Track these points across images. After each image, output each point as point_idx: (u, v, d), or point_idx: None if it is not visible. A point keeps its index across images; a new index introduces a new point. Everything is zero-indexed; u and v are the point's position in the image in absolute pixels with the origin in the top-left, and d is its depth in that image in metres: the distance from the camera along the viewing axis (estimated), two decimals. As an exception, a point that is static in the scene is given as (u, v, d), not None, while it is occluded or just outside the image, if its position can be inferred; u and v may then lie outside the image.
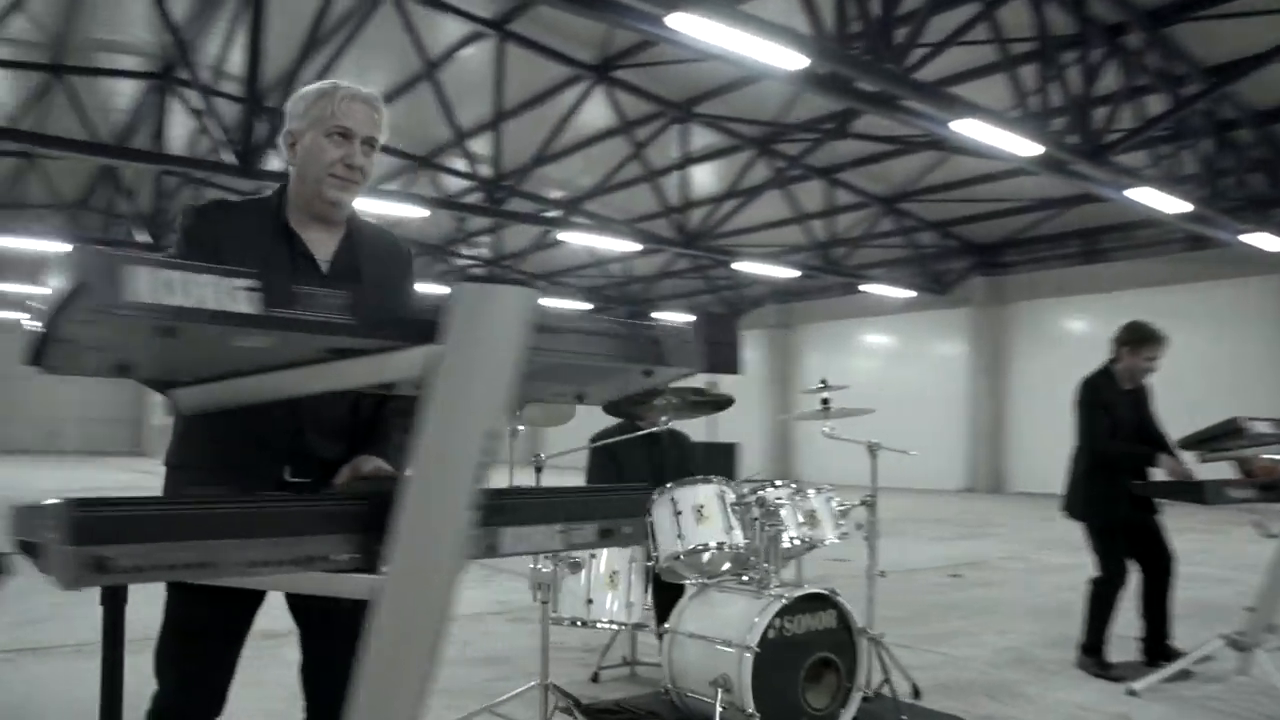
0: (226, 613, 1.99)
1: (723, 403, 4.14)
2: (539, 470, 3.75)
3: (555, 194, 17.95)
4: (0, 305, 17.70)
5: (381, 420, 2.10)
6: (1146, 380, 4.89)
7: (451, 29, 12.49)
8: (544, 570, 3.58)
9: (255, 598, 2.04)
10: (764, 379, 24.12)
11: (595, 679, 4.41)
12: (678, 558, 3.60)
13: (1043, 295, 18.35)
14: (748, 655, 3.32)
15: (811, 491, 4.09)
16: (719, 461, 10.98)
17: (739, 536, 3.61)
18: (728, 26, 6.92)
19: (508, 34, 12.38)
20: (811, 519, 4.04)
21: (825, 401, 4.31)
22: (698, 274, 22.44)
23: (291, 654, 2.22)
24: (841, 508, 4.13)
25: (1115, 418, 4.76)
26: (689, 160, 14.75)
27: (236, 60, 12.67)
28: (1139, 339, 4.75)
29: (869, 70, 7.91)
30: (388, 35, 11.60)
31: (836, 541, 4.06)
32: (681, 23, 6.88)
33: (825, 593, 3.55)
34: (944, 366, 19.84)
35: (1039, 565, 8.51)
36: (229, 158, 11.03)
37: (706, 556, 3.64)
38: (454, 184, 17.16)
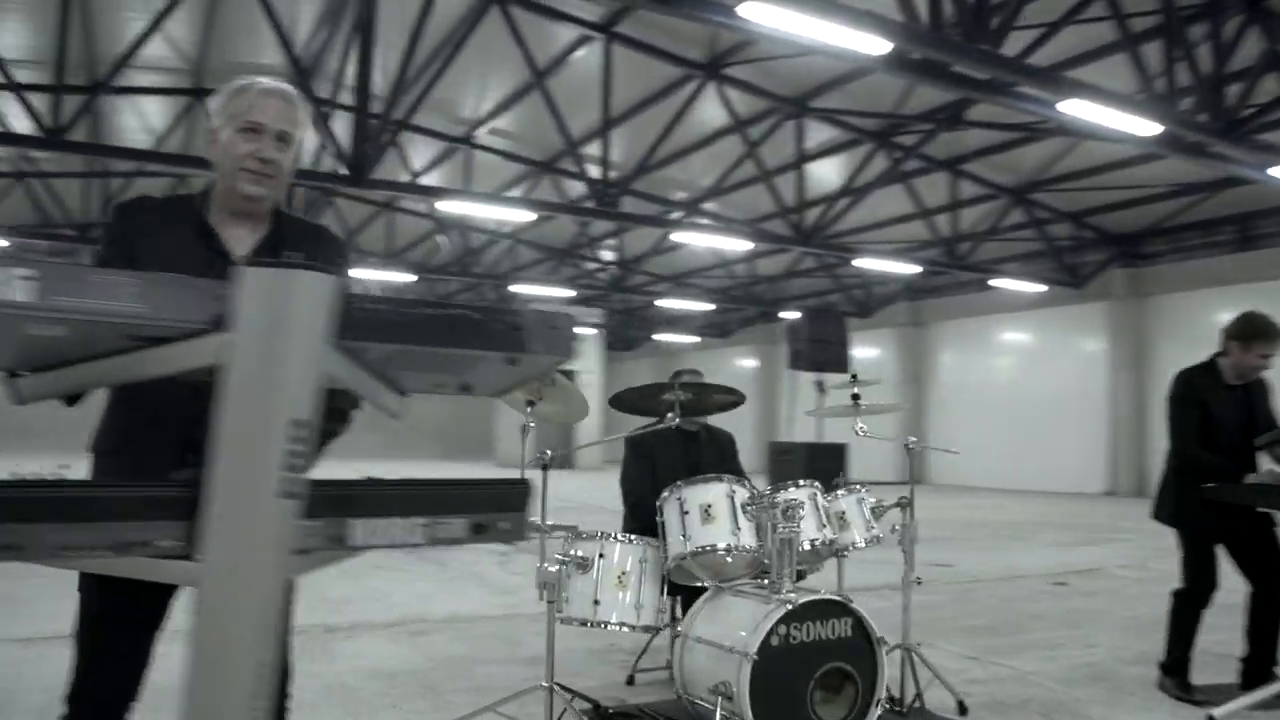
0: (133, 601, 2.01)
1: (736, 400, 3.96)
2: (545, 469, 3.69)
3: (679, 195, 17.90)
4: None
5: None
6: (1262, 375, 4.40)
7: (564, 34, 12.61)
8: (550, 570, 3.53)
9: (168, 588, 2.06)
10: (896, 378, 23.43)
11: (630, 681, 4.32)
12: (684, 559, 3.48)
13: (1190, 286, 17.10)
14: (746, 663, 3.17)
15: (841, 492, 3.89)
16: (824, 463, 10.66)
17: (747, 538, 3.46)
18: (803, 13, 6.72)
19: (614, 35, 12.40)
20: (841, 521, 3.85)
21: (856, 397, 4.06)
22: (824, 273, 21.98)
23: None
24: (875, 509, 3.90)
25: (1212, 416, 4.31)
26: (805, 157, 14.44)
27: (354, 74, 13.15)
28: (1252, 333, 4.26)
29: (962, 53, 7.54)
30: (504, 44, 11.72)
31: (863, 546, 3.84)
32: (754, 12, 6.72)
33: (839, 599, 3.36)
34: (1083, 364, 18.77)
35: (1156, 575, 7.87)
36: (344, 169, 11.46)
37: (718, 559, 3.50)
38: (576, 188, 17.33)
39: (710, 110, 13.73)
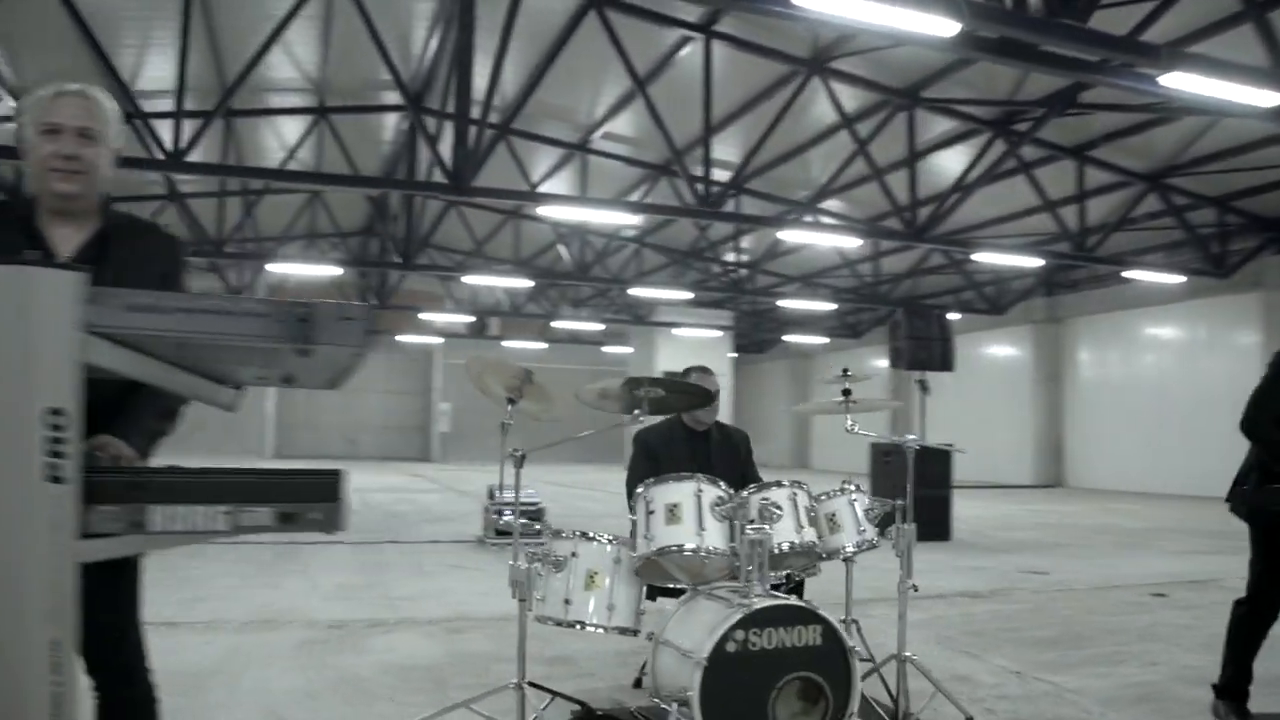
0: None
1: (708, 397, 3.83)
2: (519, 465, 3.67)
3: (800, 194, 17.56)
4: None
5: (133, 405, 2.14)
6: None
7: (667, 36, 12.50)
8: (520, 568, 3.51)
9: None
10: (1031, 377, 22.37)
11: (638, 684, 4.25)
12: (647, 559, 3.39)
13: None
14: (698, 669, 3.06)
15: (834, 492, 3.72)
16: (930, 465, 10.21)
17: (715, 539, 3.33)
18: (863, -2, 6.46)
19: (715, 34, 12.24)
20: (832, 523, 3.67)
21: (847, 392, 3.86)
22: (954, 269, 21.14)
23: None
24: (870, 512, 3.71)
25: None
26: (919, 151, 13.89)
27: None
28: None
29: (1045, 31, 7.11)
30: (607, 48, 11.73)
31: (852, 550, 3.65)
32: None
33: (806, 605, 3.19)
34: (1234, 359, 17.36)
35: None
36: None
37: (694, 560, 3.39)
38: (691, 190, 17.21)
39: (822, 106, 13.40)
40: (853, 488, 3.76)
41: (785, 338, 29.78)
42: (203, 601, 6.03)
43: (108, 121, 2.17)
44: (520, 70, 12.94)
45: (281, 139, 16.74)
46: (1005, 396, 22.77)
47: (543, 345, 29.05)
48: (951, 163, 15.06)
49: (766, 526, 3.34)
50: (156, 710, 2.28)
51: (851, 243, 16.18)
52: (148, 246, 2.25)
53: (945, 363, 10.50)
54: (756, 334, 31.47)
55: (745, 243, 21.22)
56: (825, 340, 28.69)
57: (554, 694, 3.70)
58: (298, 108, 15.51)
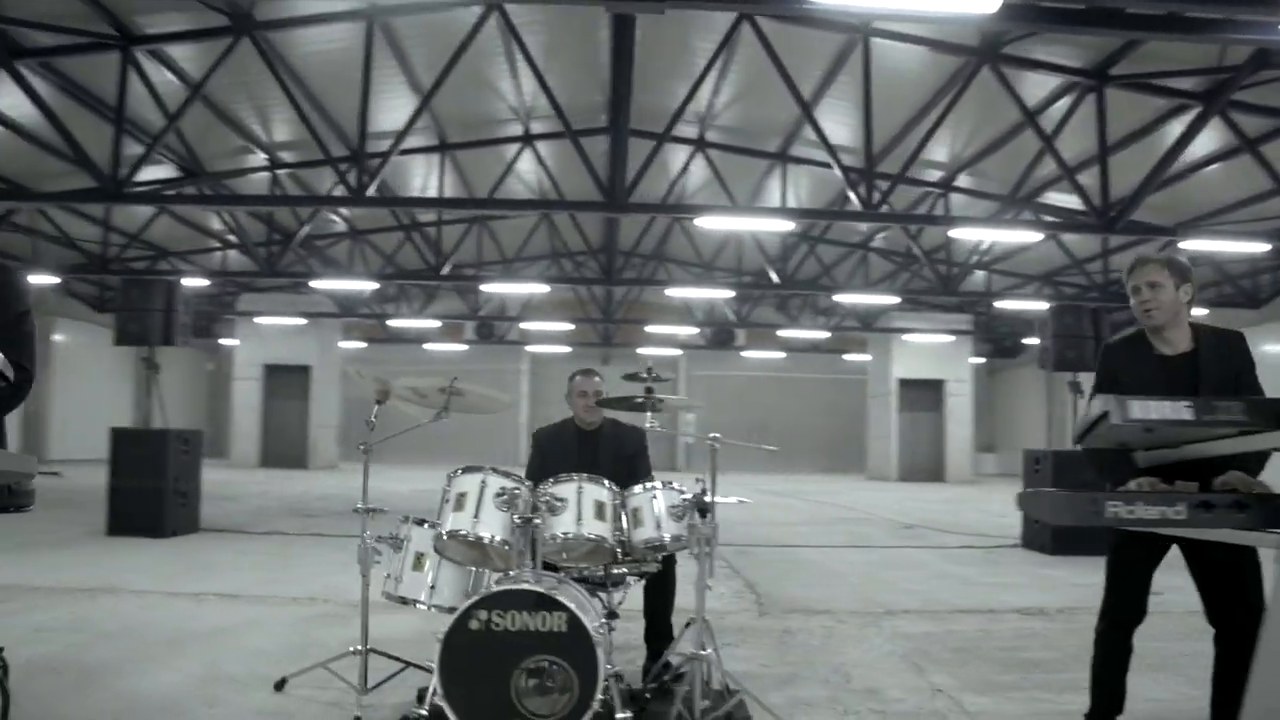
0: None
1: (656, 403, 4.03)
2: (367, 453, 4.08)
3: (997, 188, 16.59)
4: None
5: None
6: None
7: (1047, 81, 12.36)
8: (363, 548, 3.96)
9: None
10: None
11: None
12: (441, 541, 3.70)
13: None
14: (438, 642, 3.35)
15: (638, 489, 3.84)
16: (1076, 473, 9.45)
17: (490, 527, 3.59)
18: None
19: (1107, 78, 11.82)
20: (635, 518, 3.79)
21: (649, 391, 3.93)
22: (1205, 261, 18.79)
23: None
24: (675, 511, 3.78)
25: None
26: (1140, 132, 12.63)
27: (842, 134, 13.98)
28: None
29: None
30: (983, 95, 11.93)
31: (640, 543, 3.75)
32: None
33: (547, 594, 3.36)
34: None
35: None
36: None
37: (473, 545, 3.67)
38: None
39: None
40: (656, 485, 3.85)
41: (1025, 340, 27.72)
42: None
43: None
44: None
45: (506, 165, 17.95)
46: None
47: (781, 355, 29.05)
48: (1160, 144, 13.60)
49: (535, 518, 3.56)
50: None
51: (1070, 237, 14.97)
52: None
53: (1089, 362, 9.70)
54: (1003, 338, 29.47)
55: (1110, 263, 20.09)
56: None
57: (391, 657, 4.09)
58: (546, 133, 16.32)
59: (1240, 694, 3.22)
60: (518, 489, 3.66)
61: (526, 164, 16.92)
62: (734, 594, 7.02)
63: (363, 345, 28.78)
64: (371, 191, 12.77)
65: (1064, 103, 12.43)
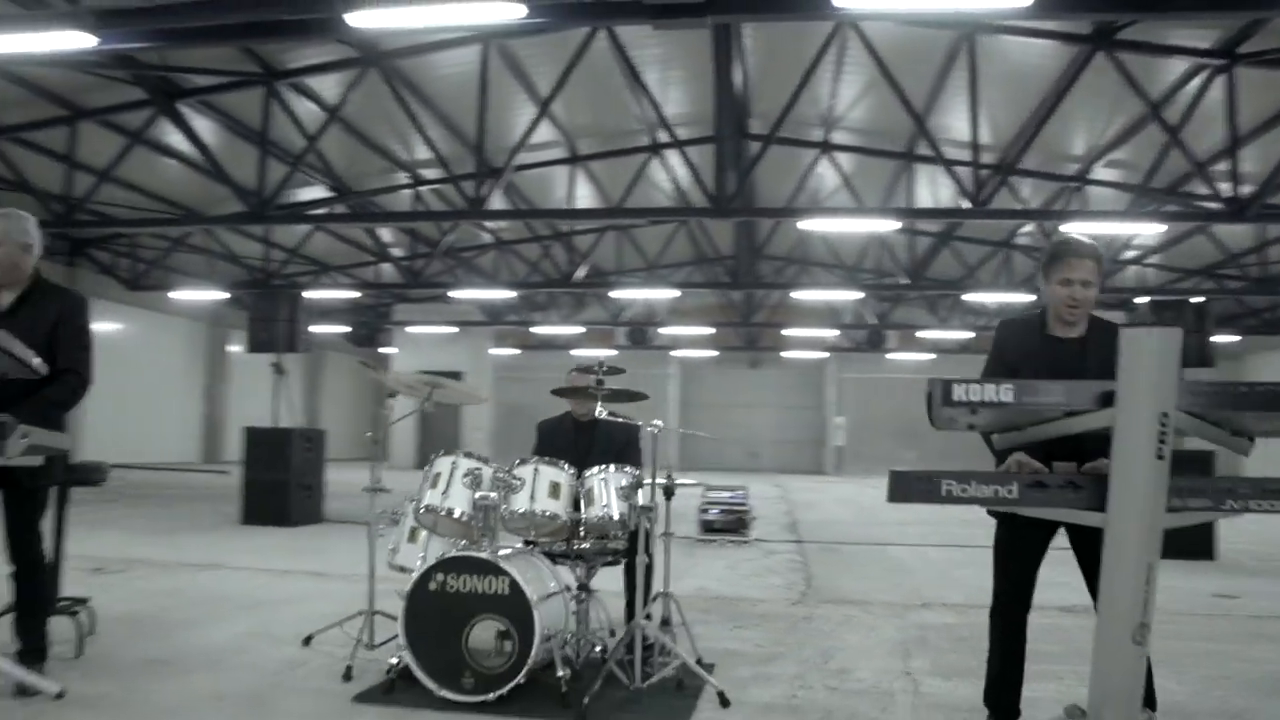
0: None
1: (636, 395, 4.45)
2: (376, 443, 4.62)
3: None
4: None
5: (36, 395, 3.64)
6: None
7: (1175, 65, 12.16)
8: (371, 525, 4.51)
9: None
10: None
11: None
12: (418, 512, 4.19)
13: None
14: (401, 599, 3.83)
15: (595, 471, 4.20)
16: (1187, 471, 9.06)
17: (454, 502, 4.05)
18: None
19: (1237, 58, 11.57)
20: (589, 497, 4.16)
21: (600, 383, 4.28)
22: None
23: None
24: (623, 490, 4.13)
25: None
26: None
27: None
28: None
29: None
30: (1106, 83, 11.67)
31: (595, 519, 4.11)
32: None
33: (490, 560, 3.79)
34: None
35: None
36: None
37: (440, 519, 4.14)
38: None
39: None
40: (609, 469, 4.20)
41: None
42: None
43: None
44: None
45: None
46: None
47: (931, 357, 28.40)
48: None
49: (493, 494, 3.99)
50: None
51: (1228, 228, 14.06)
52: (57, 300, 3.88)
53: (1202, 358, 9.29)
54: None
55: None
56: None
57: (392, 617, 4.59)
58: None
59: (1149, 681, 3.30)
60: (480, 469, 4.11)
61: (664, 171, 17.42)
62: (785, 585, 7.23)
63: (515, 352, 30.02)
64: (500, 204, 13.59)
65: (1195, 84, 11.85)
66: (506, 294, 22.78)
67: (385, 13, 6.69)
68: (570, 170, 17.56)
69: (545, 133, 15.67)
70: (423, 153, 15.76)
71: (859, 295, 23.26)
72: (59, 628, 4.22)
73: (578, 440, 4.91)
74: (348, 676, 4.06)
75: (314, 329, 26.39)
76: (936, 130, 14.43)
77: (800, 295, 20.51)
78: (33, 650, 3.87)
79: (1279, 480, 2.67)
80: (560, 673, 3.80)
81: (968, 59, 11.72)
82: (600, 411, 4.25)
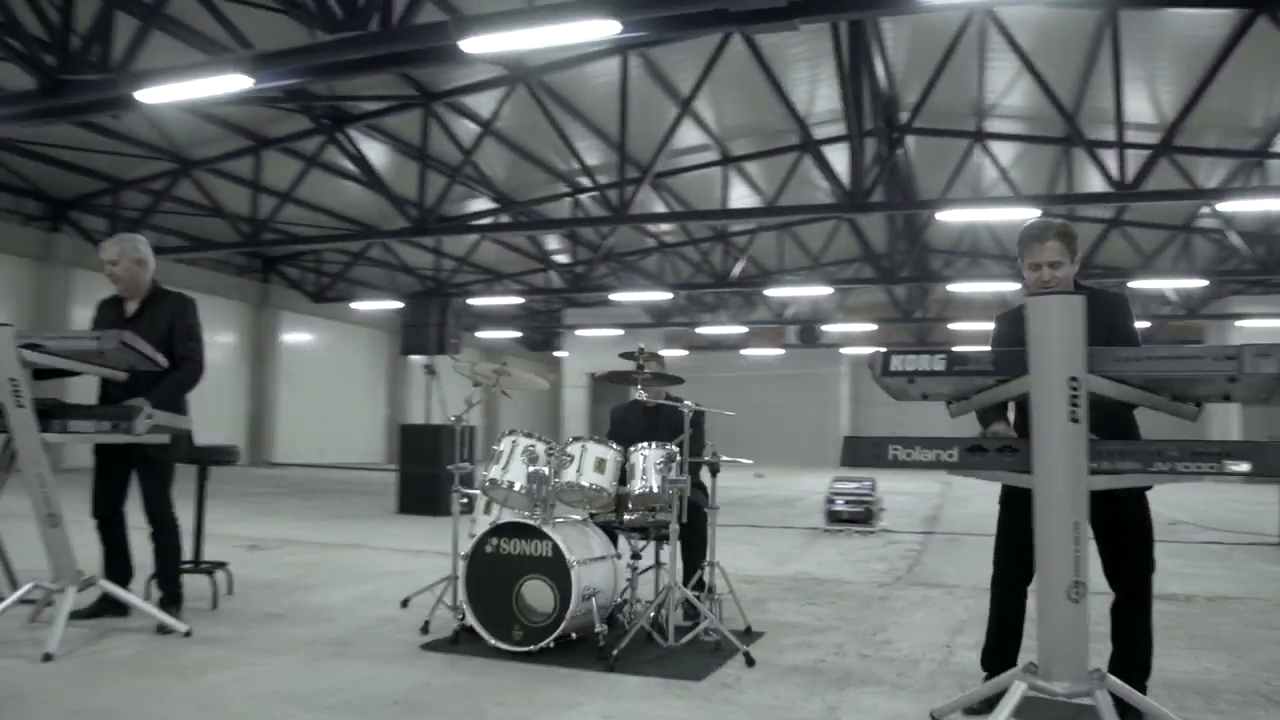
0: None
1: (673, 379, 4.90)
2: (458, 421, 5.16)
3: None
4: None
5: (160, 383, 4.40)
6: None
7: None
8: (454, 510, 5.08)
9: None
10: None
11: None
12: (484, 485, 4.70)
13: None
14: (461, 561, 4.35)
15: (639, 447, 4.57)
16: None
17: (512, 475, 4.52)
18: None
19: None
20: (630, 472, 4.55)
21: (640, 368, 4.64)
22: None
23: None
24: (660, 467, 4.49)
25: None
26: None
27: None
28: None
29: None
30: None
31: (638, 492, 4.49)
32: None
33: (535, 525, 4.24)
34: None
35: None
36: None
37: (498, 490, 4.62)
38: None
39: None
40: (649, 446, 4.56)
41: None
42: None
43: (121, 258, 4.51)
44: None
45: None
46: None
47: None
48: None
49: (544, 469, 4.45)
50: None
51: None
52: (172, 306, 4.65)
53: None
54: None
55: None
56: None
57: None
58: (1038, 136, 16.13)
59: (1136, 649, 3.42)
60: (535, 446, 4.57)
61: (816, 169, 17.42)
62: (886, 570, 7.34)
63: (683, 353, 30.60)
64: (661, 207, 13.94)
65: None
66: (665, 296, 23.30)
67: (492, 38, 7.30)
68: (723, 171, 17.94)
69: (696, 136, 16.16)
70: (580, 161, 16.54)
71: (1014, 287, 22.28)
72: (199, 586, 5.03)
73: (644, 422, 5.31)
74: (425, 630, 4.61)
75: (489, 334, 28.08)
76: (1095, 113, 13.88)
77: (958, 288, 19.99)
78: (170, 598, 4.64)
79: (1205, 442, 2.75)
80: (599, 628, 4.21)
81: (1111, 36, 11.33)
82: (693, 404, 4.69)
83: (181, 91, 8.08)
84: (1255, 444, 2.70)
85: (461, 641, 4.36)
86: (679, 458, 4.43)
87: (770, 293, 23.65)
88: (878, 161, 13.56)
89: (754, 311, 28.48)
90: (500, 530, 4.33)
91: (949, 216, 14.06)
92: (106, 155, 14.43)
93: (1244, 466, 2.66)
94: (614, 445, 4.62)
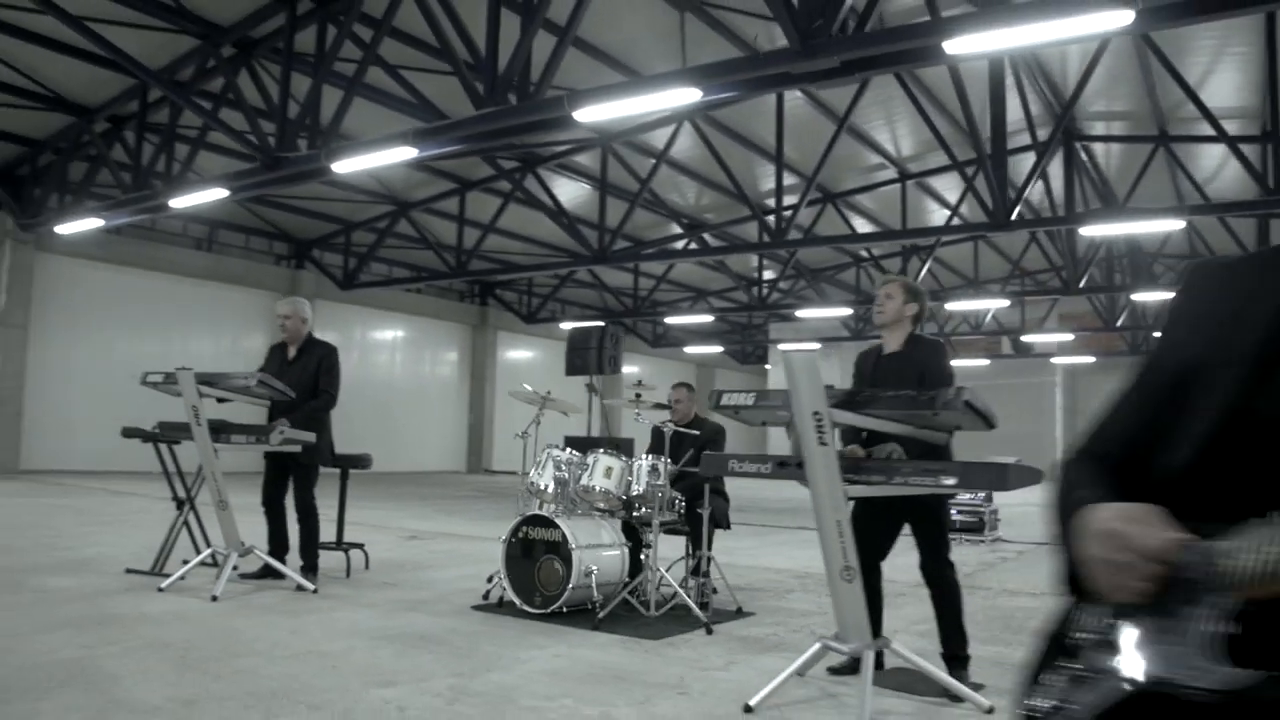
0: None
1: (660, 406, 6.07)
2: (524, 437, 6.51)
3: None
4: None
5: (304, 407, 6.10)
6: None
7: None
8: (520, 497, 6.44)
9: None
10: None
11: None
12: (527, 486, 6.01)
13: None
14: (501, 545, 5.70)
15: (640, 459, 5.72)
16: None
17: (545, 479, 5.82)
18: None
19: None
20: (634, 478, 5.71)
21: (638, 396, 5.74)
22: None
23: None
24: (653, 471, 5.61)
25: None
26: None
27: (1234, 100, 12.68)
28: None
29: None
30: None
31: (636, 493, 5.64)
32: None
33: (550, 518, 5.52)
34: None
35: None
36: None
37: (535, 488, 5.93)
38: None
39: None
40: (648, 457, 5.69)
41: None
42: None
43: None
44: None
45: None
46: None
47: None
48: None
49: (566, 474, 5.72)
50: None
51: None
52: (317, 349, 6.30)
53: None
54: None
55: None
56: None
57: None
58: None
59: (953, 629, 4.29)
60: (560, 455, 5.85)
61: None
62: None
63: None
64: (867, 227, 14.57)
65: None
66: (844, 311, 23.82)
67: (599, 108, 8.62)
68: (901, 187, 18.40)
69: (872, 158, 16.79)
70: (768, 184, 17.33)
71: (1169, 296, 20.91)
72: (339, 561, 6.69)
73: (684, 440, 6.44)
74: (486, 596, 6.00)
75: (697, 349, 29.54)
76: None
77: (1140, 298, 19.22)
78: (308, 566, 6.29)
79: (933, 463, 3.62)
80: (597, 599, 5.43)
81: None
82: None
83: (364, 162, 10.03)
84: (964, 464, 3.54)
85: (504, 605, 5.71)
86: (663, 468, 5.58)
87: (959, 306, 23.53)
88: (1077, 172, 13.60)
89: (949, 323, 28.29)
90: (529, 520, 5.65)
91: (1090, 232, 13.90)
92: (340, 202, 17.21)
93: (952, 481, 3.52)
94: (621, 457, 5.82)
